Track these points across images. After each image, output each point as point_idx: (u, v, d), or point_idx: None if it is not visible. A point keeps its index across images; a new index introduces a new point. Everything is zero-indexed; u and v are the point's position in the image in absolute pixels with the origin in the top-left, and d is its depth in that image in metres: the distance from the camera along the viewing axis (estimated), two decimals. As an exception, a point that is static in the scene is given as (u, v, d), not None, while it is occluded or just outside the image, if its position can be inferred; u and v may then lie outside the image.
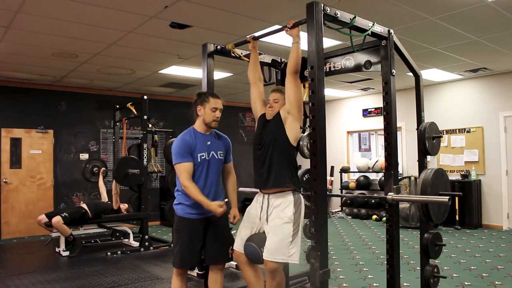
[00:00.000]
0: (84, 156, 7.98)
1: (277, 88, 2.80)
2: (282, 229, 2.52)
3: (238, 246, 2.74)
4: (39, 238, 6.84)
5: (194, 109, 2.89)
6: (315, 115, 2.32)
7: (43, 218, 5.53)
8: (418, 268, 3.80)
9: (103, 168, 6.69)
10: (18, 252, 5.77)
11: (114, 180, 6.08)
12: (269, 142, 2.65)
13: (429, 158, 3.53)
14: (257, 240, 2.63)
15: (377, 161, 8.86)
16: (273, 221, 2.57)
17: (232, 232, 3.02)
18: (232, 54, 3.36)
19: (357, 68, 3.23)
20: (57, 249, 5.60)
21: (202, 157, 2.77)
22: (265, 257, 2.51)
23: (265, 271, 2.56)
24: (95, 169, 6.89)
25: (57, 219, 5.28)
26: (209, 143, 2.82)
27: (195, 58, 5.83)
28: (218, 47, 3.34)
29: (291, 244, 2.49)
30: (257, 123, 2.85)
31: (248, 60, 3.12)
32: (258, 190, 2.78)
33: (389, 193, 2.89)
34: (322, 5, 2.36)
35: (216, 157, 2.83)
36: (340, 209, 9.50)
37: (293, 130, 2.63)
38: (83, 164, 7.17)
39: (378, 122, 9.11)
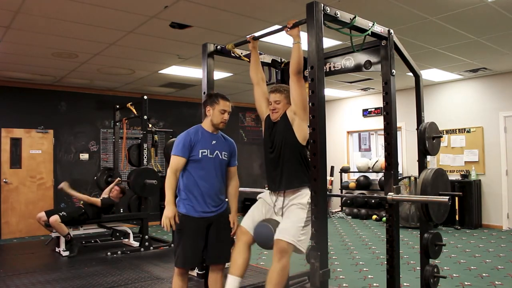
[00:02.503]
0: (84, 156, 7.99)
1: (276, 88, 2.78)
2: (296, 213, 2.54)
3: (247, 224, 2.72)
4: (39, 238, 6.84)
5: (203, 108, 2.93)
6: (315, 115, 2.32)
7: (42, 215, 5.54)
8: (418, 268, 3.80)
9: (119, 179, 6.58)
10: (18, 252, 5.78)
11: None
12: (280, 144, 2.67)
13: (429, 158, 3.53)
14: (273, 222, 2.63)
15: (377, 161, 8.86)
16: (289, 208, 2.60)
17: (232, 233, 3.02)
18: (232, 54, 3.36)
19: (357, 68, 3.24)
20: (57, 249, 5.61)
21: (204, 153, 2.78)
22: (277, 236, 2.49)
23: (273, 253, 2.51)
24: (109, 179, 6.88)
25: (54, 218, 5.28)
26: (214, 142, 2.85)
27: (195, 58, 5.83)
28: (218, 47, 3.34)
29: (303, 229, 2.49)
30: (264, 126, 2.86)
31: (248, 60, 3.13)
32: (260, 190, 2.81)
33: (389, 193, 2.89)
34: (322, 5, 2.36)
35: (220, 157, 2.85)
36: (340, 209, 9.50)
37: (301, 130, 2.63)
38: (98, 174, 7.09)
39: (378, 122, 9.11)
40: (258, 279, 4.20)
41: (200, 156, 2.77)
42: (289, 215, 2.57)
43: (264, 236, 2.60)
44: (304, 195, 2.58)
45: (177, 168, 2.76)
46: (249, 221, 2.73)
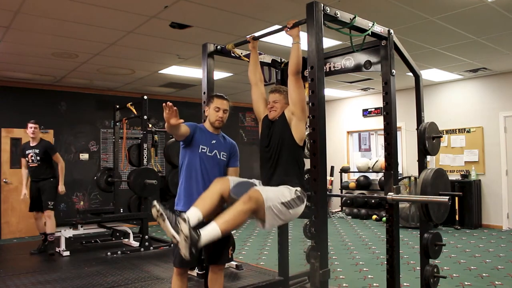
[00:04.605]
0: (84, 156, 7.98)
1: (276, 89, 2.79)
2: (281, 189, 2.47)
3: (232, 178, 2.61)
4: (39, 238, 6.83)
5: (203, 110, 2.98)
6: (315, 115, 2.33)
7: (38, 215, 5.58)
8: (418, 268, 3.80)
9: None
10: (18, 252, 5.77)
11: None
12: (276, 143, 2.66)
13: (428, 158, 3.53)
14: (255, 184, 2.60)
15: (377, 161, 8.86)
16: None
17: (232, 232, 3.02)
18: (232, 54, 3.36)
19: (357, 68, 3.24)
20: (57, 249, 5.61)
21: (203, 150, 2.80)
22: (255, 187, 2.40)
23: (242, 196, 2.30)
24: (109, 178, 6.88)
25: (49, 213, 5.31)
26: (214, 141, 2.86)
27: (195, 58, 5.83)
28: (218, 47, 3.35)
29: (280, 206, 2.36)
30: (262, 125, 2.86)
31: (248, 60, 3.13)
32: None
33: (389, 193, 2.89)
34: (322, 5, 2.36)
35: (219, 157, 2.86)
36: (340, 209, 9.50)
37: (298, 130, 2.63)
38: (98, 174, 7.06)
39: (378, 122, 9.11)
40: (258, 279, 4.20)
41: (199, 151, 2.79)
42: (274, 187, 2.51)
43: (243, 188, 2.44)
44: (295, 187, 2.55)
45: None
46: (234, 178, 2.62)
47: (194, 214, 2.33)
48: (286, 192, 2.46)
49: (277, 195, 2.39)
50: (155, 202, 2.21)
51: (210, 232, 2.19)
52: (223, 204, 2.52)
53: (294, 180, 2.58)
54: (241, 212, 2.25)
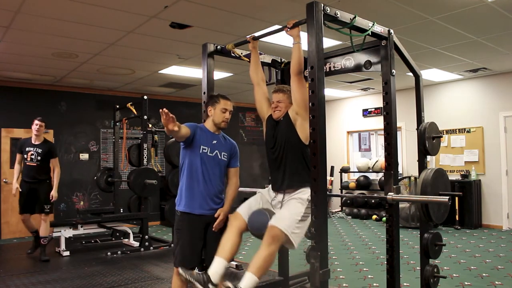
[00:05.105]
0: (84, 156, 7.98)
1: (279, 88, 2.80)
2: (294, 205, 2.52)
3: (243, 210, 2.66)
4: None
5: (205, 109, 2.96)
6: (315, 115, 2.32)
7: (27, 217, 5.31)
8: (418, 268, 3.80)
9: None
10: (18, 252, 5.78)
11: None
12: (282, 144, 2.67)
13: (428, 158, 3.53)
14: (270, 211, 2.60)
15: (377, 161, 8.86)
16: (288, 202, 2.59)
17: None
18: (232, 54, 3.36)
19: (357, 68, 3.23)
20: (57, 249, 5.61)
21: (204, 150, 2.79)
22: (271, 222, 2.44)
23: (264, 237, 2.42)
24: (109, 178, 6.88)
25: (46, 217, 5.21)
26: (215, 142, 2.86)
27: (195, 58, 5.83)
28: (218, 47, 3.34)
29: (298, 223, 2.45)
30: (266, 126, 2.87)
31: (248, 60, 3.13)
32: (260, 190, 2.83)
33: (389, 193, 2.89)
34: (322, 5, 2.36)
35: (219, 157, 2.85)
36: (340, 209, 9.50)
37: (303, 129, 2.63)
38: (98, 174, 7.08)
39: (378, 122, 9.11)
40: (258, 279, 4.20)
41: (200, 151, 2.78)
42: (287, 207, 2.56)
43: (259, 222, 2.53)
44: (305, 192, 2.56)
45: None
46: (245, 208, 2.67)
47: (220, 265, 2.51)
48: (299, 207, 2.50)
49: (292, 217, 2.46)
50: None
51: (249, 282, 2.37)
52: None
53: (304, 178, 2.58)
54: (269, 254, 2.39)
